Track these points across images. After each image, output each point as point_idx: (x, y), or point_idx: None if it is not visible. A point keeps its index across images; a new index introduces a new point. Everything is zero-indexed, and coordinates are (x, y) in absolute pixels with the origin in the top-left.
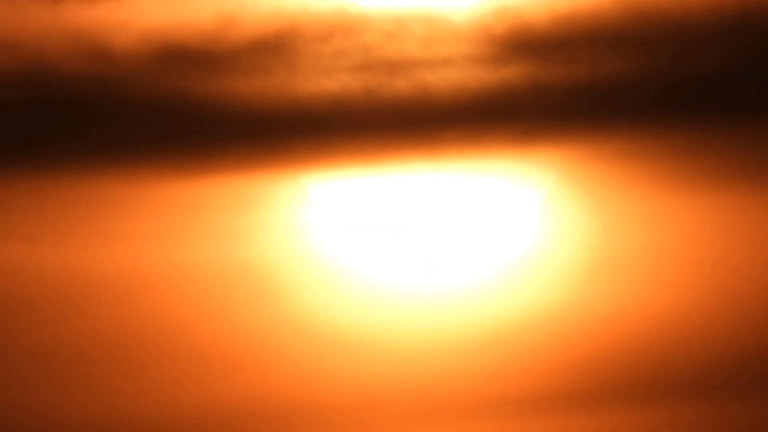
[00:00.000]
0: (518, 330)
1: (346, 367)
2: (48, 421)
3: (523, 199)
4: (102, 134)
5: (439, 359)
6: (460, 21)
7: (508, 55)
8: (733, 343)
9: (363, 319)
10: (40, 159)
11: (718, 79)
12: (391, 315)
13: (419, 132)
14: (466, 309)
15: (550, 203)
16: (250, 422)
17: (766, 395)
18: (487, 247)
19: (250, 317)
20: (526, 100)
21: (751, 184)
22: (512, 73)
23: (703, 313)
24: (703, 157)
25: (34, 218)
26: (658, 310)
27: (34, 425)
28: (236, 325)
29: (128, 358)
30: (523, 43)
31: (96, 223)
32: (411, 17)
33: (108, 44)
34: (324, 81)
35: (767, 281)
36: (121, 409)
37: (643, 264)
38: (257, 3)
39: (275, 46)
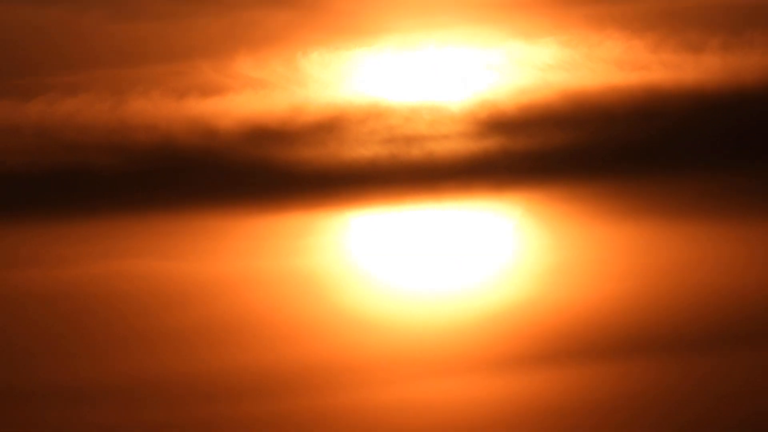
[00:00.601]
0: (502, 315)
1: (376, 340)
2: (159, 380)
3: (500, 228)
4: (209, 186)
5: (446, 334)
6: (455, 109)
7: (488, 132)
8: (657, 318)
9: (389, 308)
10: (166, 203)
11: (633, 143)
12: (409, 305)
13: (427, 184)
14: (462, 301)
15: (519, 230)
16: (306, 376)
17: (686, 353)
18: (475, 259)
19: (308, 308)
20: (500, 162)
21: (663, 215)
22: (490, 144)
23: (632, 301)
24: (627, 198)
25: (161, 242)
26: (600, 298)
27: (147, 384)
28: (298, 314)
29: (221, 336)
30: (497, 124)
31: (202, 244)
32: (421, 107)
33: (215, 125)
34: (362, 150)
35: (679, 280)
36: (215, 371)
37: (588, 269)
38: (317, 97)
39: (329, 126)
